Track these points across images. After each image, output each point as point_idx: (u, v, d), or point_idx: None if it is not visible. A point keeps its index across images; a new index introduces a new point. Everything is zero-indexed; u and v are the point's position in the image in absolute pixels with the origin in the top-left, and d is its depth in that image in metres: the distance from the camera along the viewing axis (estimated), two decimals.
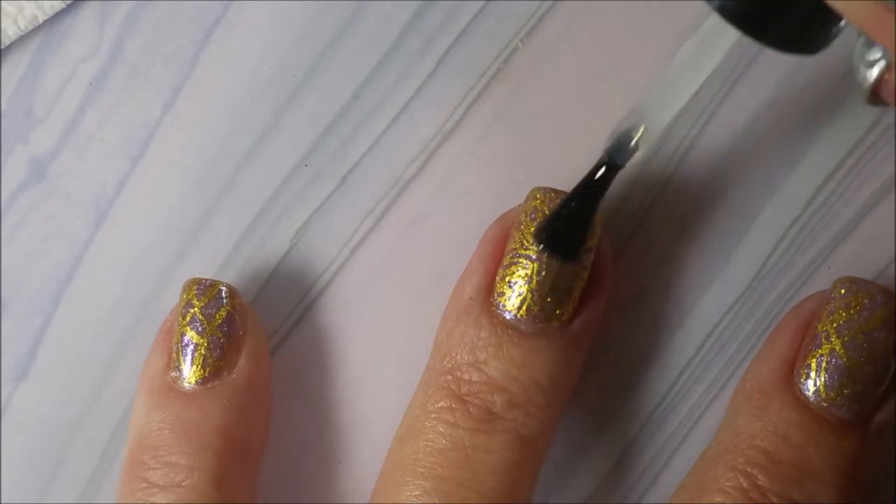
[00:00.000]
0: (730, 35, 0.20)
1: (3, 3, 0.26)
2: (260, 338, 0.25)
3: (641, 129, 0.22)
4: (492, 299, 0.24)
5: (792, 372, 0.24)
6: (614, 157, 0.22)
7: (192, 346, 0.25)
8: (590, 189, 0.23)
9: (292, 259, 0.27)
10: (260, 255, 0.27)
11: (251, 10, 0.27)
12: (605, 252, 0.25)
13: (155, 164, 0.27)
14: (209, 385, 0.24)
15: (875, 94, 0.21)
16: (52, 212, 0.27)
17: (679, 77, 0.21)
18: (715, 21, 0.20)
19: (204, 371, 0.24)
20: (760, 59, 0.27)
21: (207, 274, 0.26)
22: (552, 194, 0.24)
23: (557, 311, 0.24)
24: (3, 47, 0.26)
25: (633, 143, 0.22)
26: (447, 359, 0.24)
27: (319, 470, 0.27)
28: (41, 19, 0.26)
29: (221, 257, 0.27)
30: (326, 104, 0.27)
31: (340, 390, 0.27)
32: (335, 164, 0.27)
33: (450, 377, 0.24)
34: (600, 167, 0.22)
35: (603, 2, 0.27)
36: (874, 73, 0.20)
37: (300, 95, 0.27)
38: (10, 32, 0.26)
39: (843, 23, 0.19)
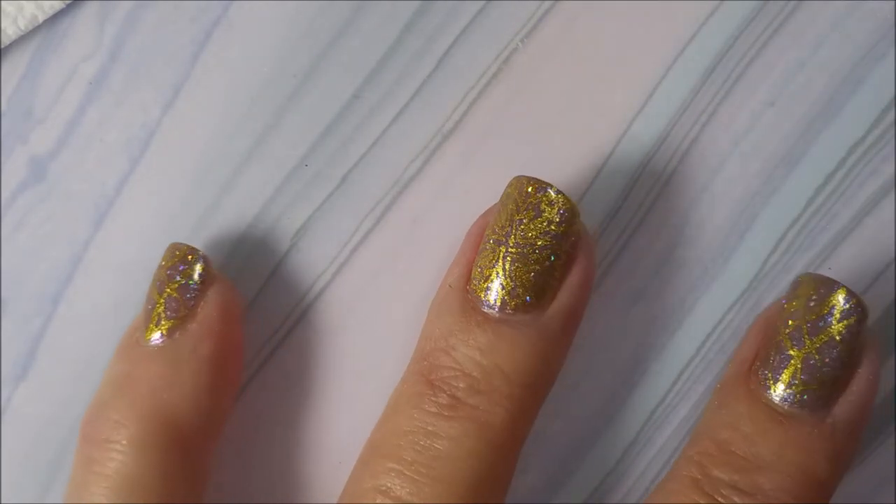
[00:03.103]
0: None
1: (3, 3, 0.26)
2: (225, 313, 0.25)
3: None
4: (468, 286, 0.24)
5: (750, 368, 0.25)
6: None
7: (151, 304, 0.25)
8: None
9: (292, 259, 0.27)
10: (260, 255, 0.27)
11: (251, 10, 0.27)
12: (585, 243, 0.25)
13: (155, 164, 0.27)
14: (158, 344, 0.25)
15: None
16: (52, 212, 0.27)
17: None
18: None
19: (156, 329, 0.25)
20: (760, 58, 0.27)
21: None
22: (524, 180, 0.24)
23: (527, 299, 0.24)
24: (3, 47, 0.26)
25: None
26: (426, 345, 0.24)
27: (319, 469, 0.27)
28: (41, 19, 0.26)
29: (221, 257, 0.27)
30: (326, 104, 0.27)
31: (340, 390, 0.27)
32: (335, 164, 0.27)
33: (425, 363, 0.24)
34: None
35: (603, 2, 0.27)
36: None
37: (300, 95, 0.27)
38: (10, 32, 0.26)
39: None
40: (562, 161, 0.27)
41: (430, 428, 0.23)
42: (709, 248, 0.27)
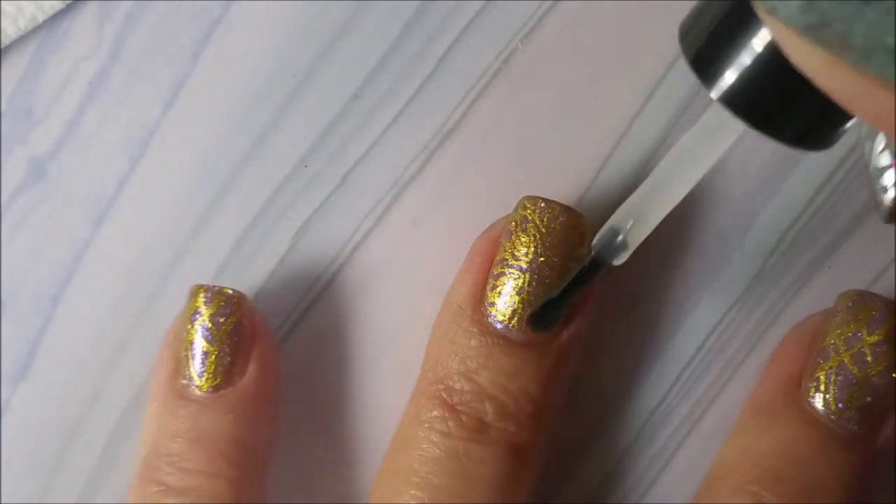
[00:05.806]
0: (730, 131, 0.20)
1: (2, 3, 0.26)
2: (268, 342, 0.25)
3: (630, 226, 0.22)
4: (482, 308, 0.24)
5: (798, 387, 0.24)
6: (601, 254, 0.22)
7: (202, 355, 0.24)
8: (577, 283, 0.23)
9: (292, 259, 0.27)
10: (260, 255, 0.27)
11: (251, 10, 0.27)
12: None
13: (155, 164, 0.27)
14: (220, 393, 0.24)
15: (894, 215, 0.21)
16: (52, 212, 0.27)
17: (674, 173, 0.21)
18: (716, 113, 0.19)
19: (215, 380, 0.24)
20: None
21: (207, 274, 0.27)
22: (542, 203, 0.24)
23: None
24: (3, 47, 0.26)
25: (619, 239, 0.22)
26: (438, 368, 0.24)
27: (319, 470, 0.27)
28: (41, 19, 0.26)
29: (221, 257, 0.27)
30: (326, 104, 0.27)
31: (339, 391, 0.27)
32: (335, 164, 0.27)
33: (441, 386, 0.24)
34: (588, 263, 0.23)
35: (603, 2, 0.27)
36: (891, 196, 0.21)
37: (300, 95, 0.27)
38: (10, 32, 0.26)
39: (852, 122, 0.18)
40: (562, 161, 0.27)
41: (461, 452, 0.23)
42: (709, 248, 0.27)
